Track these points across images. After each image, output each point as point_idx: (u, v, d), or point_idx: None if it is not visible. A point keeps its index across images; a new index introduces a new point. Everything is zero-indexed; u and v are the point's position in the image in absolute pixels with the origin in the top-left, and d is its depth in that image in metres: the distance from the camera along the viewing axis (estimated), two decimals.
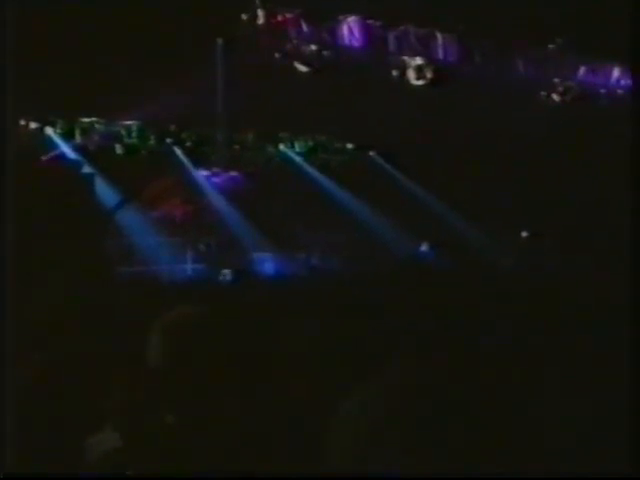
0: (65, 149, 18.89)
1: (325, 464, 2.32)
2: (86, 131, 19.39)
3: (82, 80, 15.95)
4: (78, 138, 19.24)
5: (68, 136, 19.16)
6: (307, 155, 21.46)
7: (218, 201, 19.93)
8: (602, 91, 19.70)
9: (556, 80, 19.65)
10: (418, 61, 18.81)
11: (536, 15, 16.71)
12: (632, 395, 2.89)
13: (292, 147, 21.47)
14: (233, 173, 20.23)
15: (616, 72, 19.62)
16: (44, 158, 18.09)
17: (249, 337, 3.40)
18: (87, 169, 18.38)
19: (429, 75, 18.78)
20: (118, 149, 19.63)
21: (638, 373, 3.11)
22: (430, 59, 18.84)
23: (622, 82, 19.63)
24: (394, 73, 18.82)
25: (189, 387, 3.24)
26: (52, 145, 18.77)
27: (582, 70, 19.57)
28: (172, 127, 20.16)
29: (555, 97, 19.64)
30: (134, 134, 19.78)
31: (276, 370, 3.34)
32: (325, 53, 18.42)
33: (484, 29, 17.98)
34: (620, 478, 2.47)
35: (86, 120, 19.31)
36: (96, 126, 19.49)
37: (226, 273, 15.72)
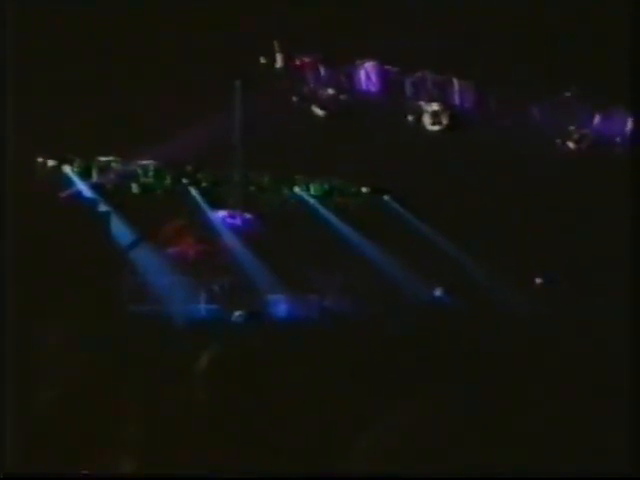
0: (82, 187, 18.98)
1: None
2: (103, 170, 19.47)
3: (100, 119, 16.08)
4: (95, 176, 19.33)
5: (85, 174, 19.25)
6: (322, 198, 21.48)
7: (233, 242, 19.93)
8: (617, 139, 19.70)
9: (571, 128, 19.67)
10: (434, 107, 18.88)
11: (552, 62, 16.79)
12: (632, 396, 2.87)
13: (307, 190, 21.50)
14: (248, 214, 20.25)
15: (632, 120, 19.62)
16: (61, 196, 18.18)
17: (262, 377, 3.40)
18: (103, 207, 18.46)
19: (445, 121, 18.84)
20: (134, 188, 19.70)
21: (638, 375, 3.09)
22: (446, 105, 18.91)
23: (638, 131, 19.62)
24: (410, 118, 18.88)
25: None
26: (69, 183, 18.86)
27: (597, 118, 19.59)
28: (188, 168, 20.24)
29: (570, 145, 19.65)
30: (150, 173, 19.85)
31: (289, 412, 3.34)
32: (342, 97, 18.51)
33: (500, 76, 18.06)
34: (620, 478, 2.45)
35: (103, 159, 19.41)
36: (113, 165, 19.57)
37: (239, 314, 15.70)
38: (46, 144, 17.55)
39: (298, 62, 18.04)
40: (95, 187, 19.13)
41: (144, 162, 19.75)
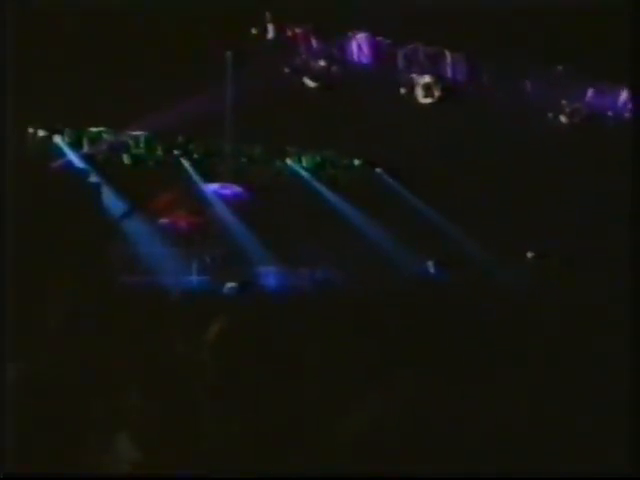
0: (73, 158, 18.95)
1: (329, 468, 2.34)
2: (94, 140, 19.44)
3: (91, 89, 16.01)
4: (86, 147, 19.30)
5: (76, 145, 19.22)
6: (314, 170, 21.50)
7: (224, 214, 19.96)
8: (609, 114, 19.73)
9: (564, 102, 19.68)
10: (426, 79, 18.85)
11: (545, 37, 16.76)
12: (632, 396, 2.90)
13: (299, 162, 21.51)
14: (240, 186, 20.27)
15: (623, 95, 19.65)
16: (52, 166, 18.15)
17: (253, 349, 3.42)
18: (94, 178, 18.44)
19: (437, 93, 18.82)
20: (125, 159, 19.69)
21: (638, 375, 3.12)
22: (438, 77, 18.89)
23: (629, 105, 19.66)
24: (402, 90, 18.86)
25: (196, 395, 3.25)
26: (60, 153, 18.83)
27: (590, 92, 19.60)
28: (180, 139, 20.22)
29: (562, 119, 19.67)
30: (142, 144, 19.84)
31: (280, 381, 3.36)
32: (334, 69, 18.47)
33: (493, 49, 18.03)
34: (620, 478, 2.48)
35: (94, 129, 19.37)
36: (104, 136, 19.54)
37: (232, 286, 15.72)
38: (37, 114, 17.48)
39: (290, 33, 17.97)
40: (86, 158, 19.11)
41: (135, 133, 19.73)
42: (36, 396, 3.54)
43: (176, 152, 20.31)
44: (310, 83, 18.28)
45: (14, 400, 3.39)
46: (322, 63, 18.40)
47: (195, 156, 20.43)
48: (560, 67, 18.87)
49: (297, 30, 18.10)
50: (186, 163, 20.30)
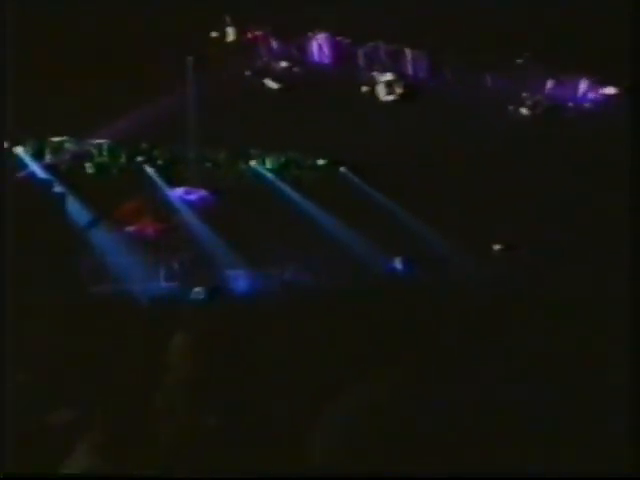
0: (35, 168, 18.82)
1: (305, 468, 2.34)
2: (56, 150, 19.31)
3: (52, 99, 15.90)
4: (48, 157, 19.17)
5: (38, 155, 19.09)
6: (279, 171, 21.51)
7: (190, 219, 19.92)
8: (570, 105, 19.87)
9: (524, 94, 19.80)
10: (388, 77, 18.89)
11: (504, 30, 16.85)
12: (632, 396, 2.91)
13: (264, 164, 21.51)
14: (205, 191, 20.23)
15: (583, 85, 19.81)
16: (14, 177, 18.01)
17: (225, 353, 3.42)
18: (58, 188, 18.32)
19: (399, 90, 18.86)
20: (89, 168, 19.58)
21: (637, 374, 3.13)
22: (400, 75, 18.93)
23: (589, 95, 19.82)
24: (364, 89, 18.89)
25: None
26: (22, 165, 18.69)
27: (550, 84, 19.73)
28: (143, 145, 20.14)
29: (524, 111, 19.78)
30: (105, 153, 19.74)
31: (253, 384, 3.36)
32: (295, 70, 18.47)
33: (453, 44, 18.11)
34: (620, 478, 2.49)
35: (56, 139, 19.24)
36: (66, 145, 19.42)
37: (199, 291, 15.69)
38: None
39: (250, 36, 17.94)
40: (49, 168, 18.99)
41: (98, 141, 19.63)
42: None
43: (140, 159, 20.23)
44: (272, 85, 18.26)
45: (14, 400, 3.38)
46: (283, 64, 18.39)
47: (159, 162, 20.37)
48: (520, 60, 18.97)
49: (257, 32, 18.08)
50: (150, 170, 20.22)
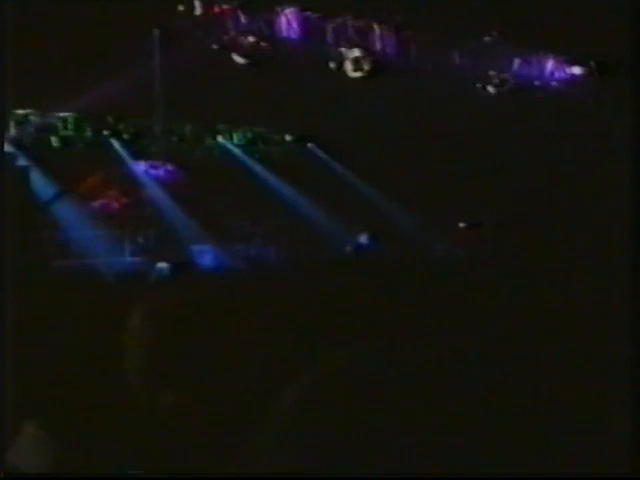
0: None
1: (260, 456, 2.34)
2: (20, 123, 19.10)
3: (16, 70, 15.71)
4: (12, 130, 18.96)
5: (2, 128, 18.88)
6: (246, 147, 21.43)
7: (156, 193, 19.82)
8: (537, 83, 19.93)
9: (492, 72, 19.83)
10: (356, 53, 18.84)
11: (472, 7, 16.86)
12: (632, 396, 2.92)
13: (230, 139, 21.42)
14: (171, 165, 20.13)
15: (550, 64, 19.87)
16: None
17: (187, 330, 3.40)
18: (22, 162, 18.16)
19: (366, 67, 18.83)
20: (54, 141, 19.40)
21: (638, 374, 3.14)
22: (368, 51, 18.89)
23: (556, 74, 19.88)
24: (332, 65, 18.83)
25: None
26: None
27: (517, 62, 19.77)
28: (109, 119, 19.98)
29: (490, 89, 19.82)
30: (70, 126, 19.56)
31: (217, 361, 3.34)
32: (263, 45, 18.37)
33: (421, 21, 18.10)
34: (620, 478, 2.50)
35: (20, 112, 19.02)
36: (31, 118, 19.21)
37: (163, 267, 15.64)
38: None
39: (217, 9, 17.82)
40: (13, 141, 18.78)
41: (63, 114, 19.43)
42: None
43: (106, 132, 20.06)
44: (239, 59, 18.16)
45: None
46: (251, 39, 18.29)
47: (125, 136, 20.21)
48: (487, 38, 18.99)
49: (225, 6, 17.96)
50: (116, 143, 20.07)
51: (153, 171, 20.02)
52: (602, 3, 14.52)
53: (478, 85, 19.87)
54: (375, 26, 18.94)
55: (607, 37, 14.86)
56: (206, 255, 18.52)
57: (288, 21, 18.49)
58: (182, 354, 3.25)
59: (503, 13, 16.84)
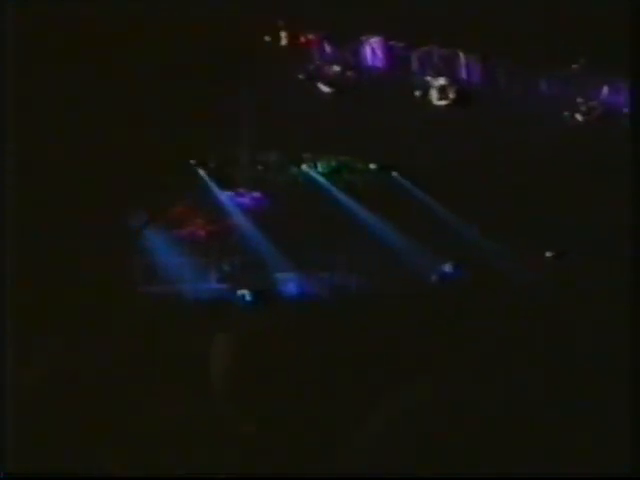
0: None
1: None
2: None
3: (102, 102, 16.08)
4: None
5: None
6: (330, 175, 21.49)
7: (241, 221, 19.99)
8: (625, 110, 19.61)
9: (579, 100, 19.59)
10: (441, 81, 18.81)
11: (559, 35, 16.71)
12: (632, 397, 2.87)
13: (315, 167, 21.50)
14: (257, 193, 20.30)
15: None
16: None
17: (273, 355, 3.40)
18: None
19: (452, 95, 18.78)
20: None
21: (638, 375, 3.09)
22: (453, 79, 18.85)
23: None
24: (417, 93, 18.83)
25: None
26: None
27: (605, 90, 19.49)
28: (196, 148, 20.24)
29: (578, 117, 19.57)
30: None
31: (303, 387, 3.34)
32: (348, 74, 18.47)
33: (507, 49, 17.98)
34: (620, 478, 2.46)
35: None
36: None
37: (245, 294, 15.77)
38: None
39: (303, 40, 17.98)
40: None
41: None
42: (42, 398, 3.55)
43: (192, 162, 20.33)
44: (324, 89, 18.29)
45: (15, 400, 3.40)
46: (336, 68, 18.41)
47: (211, 165, 20.46)
48: (575, 65, 18.78)
49: (310, 36, 18.12)
50: (202, 172, 20.32)
51: (238, 199, 20.22)
52: None
53: (566, 113, 19.65)
54: (460, 54, 18.90)
55: None
56: (290, 283, 18.59)
57: (373, 50, 18.55)
58: (266, 380, 3.26)
59: (591, 40, 16.65)
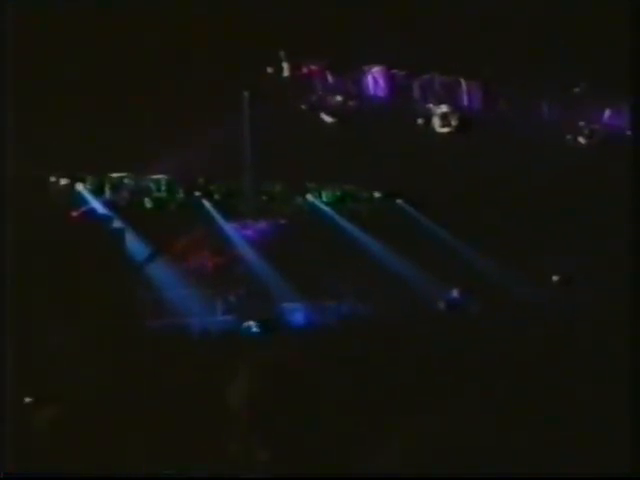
0: (95, 204, 19.05)
1: None
2: (115, 186, 19.55)
3: (111, 135, 16.14)
4: (107, 193, 19.41)
5: (98, 191, 19.33)
6: (335, 204, 21.51)
7: (248, 252, 19.99)
8: (628, 133, 19.62)
9: (581, 123, 19.62)
10: (443, 109, 18.87)
11: (560, 60, 16.77)
12: (632, 397, 2.88)
13: (320, 197, 21.53)
14: (262, 224, 20.31)
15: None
16: (75, 214, 18.26)
17: (283, 386, 3.40)
18: (117, 224, 18.54)
19: (454, 122, 18.83)
20: (147, 203, 19.77)
21: (638, 376, 3.09)
22: (455, 106, 18.90)
23: None
24: (419, 121, 18.88)
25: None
26: (82, 201, 18.94)
27: (607, 113, 19.53)
28: (200, 180, 20.30)
29: (581, 140, 19.60)
30: (163, 188, 19.93)
31: (312, 414, 3.33)
32: (350, 103, 18.54)
33: (508, 74, 18.04)
34: (620, 478, 2.46)
35: (115, 175, 19.49)
36: (125, 181, 19.66)
37: (251, 325, 15.77)
38: (58, 163, 17.63)
39: (305, 70, 18.07)
40: (108, 204, 19.22)
41: (156, 177, 19.83)
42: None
43: (197, 194, 20.39)
44: (327, 118, 18.35)
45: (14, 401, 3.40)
46: (338, 98, 18.48)
47: (216, 197, 20.50)
48: (576, 89, 18.83)
49: (312, 67, 18.20)
50: (207, 204, 20.37)
51: (244, 230, 20.25)
52: None
53: (568, 137, 19.67)
54: (462, 81, 18.97)
55: None
56: (297, 313, 18.58)
57: (375, 79, 18.63)
58: (275, 410, 3.26)
59: (592, 63, 16.70)
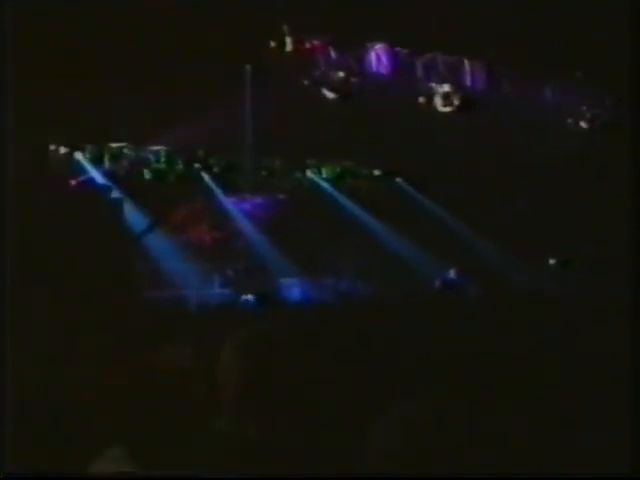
0: (94, 174, 19.03)
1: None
2: (115, 156, 19.52)
3: (112, 105, 16.11)
4: (107, 163, 19.38)
5: (97, 161, 19.30)
6: (334, 181, 21.51)
7: (246, 227, 20.00)
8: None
9: (584, 107, 19.61)
10: (445, 88, 18.83)
11: (564, 44, 16.72)
12: (632, 397, 2.88)
13: (319, 173, 21.52)
14: (261, 199, 20.31)
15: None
16: (73, 182, 18.24)
17: (276, 362, 3.40)
18: (115, 194, 18.52)
19: (456, 102, 18.80)
20: (146, 174, 19.75)
21: (638, 376, 3.10)
22: (458, 86, 18.87)
23: None
24: (421, 100, 18.86)
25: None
26: (81, 170, 18.92)
27: (609, 97, 19.50)
28: (200, 153, 20.27)
29: (583, 124, 19.59)
30: (162, 159, 19.90)
31: (303, 396, 3.33)
32: (353, 80, 18.49)
33: (512, 56, 18.00)
34: (620, 478, 2.47)
35: (115, 145, 19.45)
36: (125, 151, 19.62)
37: (253, 298, 15.78)
38: (58, 131, 17.60)
39: (308, 45, 18.00)
40: (107, 174, 19.20)
41: (156, 148, 19.80)
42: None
43: (196, 166, 20.36)
44: (329, 94, 18.30)
45: (14, 400, 3.41)
46: (341, 74, 18.42)
47: (215, 170, 20.48)
48: (579, 73, 18.80)
49: (315, 42, 18.13)
50: (207, 177, 20.35)
51: (243, 205, 20.24)
52: None
53: (570, 120, 19.66)
54: (465, 61, 18.92)
55: None
56: (294, 288, 18.60)
57: (378, 56, 18.57)
58: (267, 386, 3.26)
59: (596, 49, 16.66)
